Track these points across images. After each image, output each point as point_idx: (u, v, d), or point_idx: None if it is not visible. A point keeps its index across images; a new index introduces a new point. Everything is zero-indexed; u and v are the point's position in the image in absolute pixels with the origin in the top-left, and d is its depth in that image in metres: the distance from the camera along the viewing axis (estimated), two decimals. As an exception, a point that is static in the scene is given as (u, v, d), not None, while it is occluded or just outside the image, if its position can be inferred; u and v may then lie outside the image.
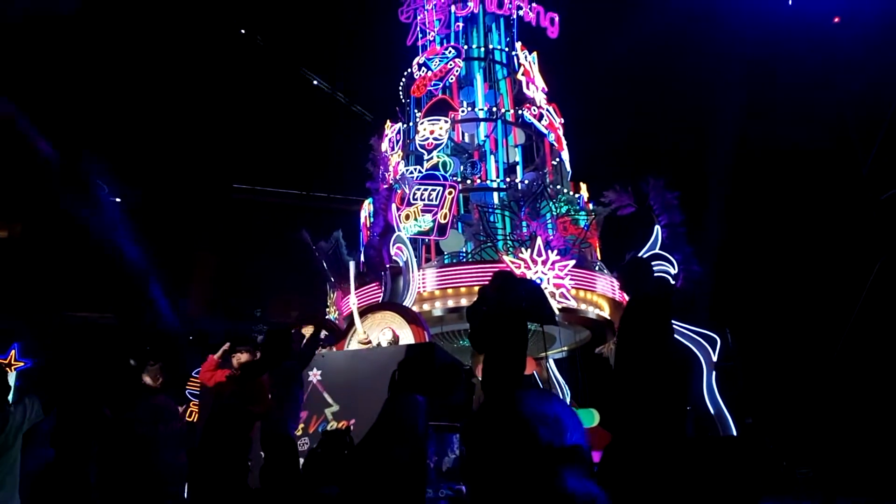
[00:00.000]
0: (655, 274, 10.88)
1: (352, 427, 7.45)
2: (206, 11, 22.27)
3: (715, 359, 10.35)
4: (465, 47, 14.03)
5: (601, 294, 11.64)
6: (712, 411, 10.12)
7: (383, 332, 9.76)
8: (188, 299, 21.67)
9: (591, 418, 11.47)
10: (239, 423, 6.24)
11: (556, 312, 9.10)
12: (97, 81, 21.63)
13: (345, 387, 7.51)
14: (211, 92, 22.75)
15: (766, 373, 13.44)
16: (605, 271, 11.94)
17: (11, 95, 19.75)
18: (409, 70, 14.01)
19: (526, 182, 12.62)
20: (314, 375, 7.61)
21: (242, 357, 6.98)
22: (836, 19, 13.27)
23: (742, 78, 15.83)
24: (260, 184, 22.73)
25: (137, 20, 21.77)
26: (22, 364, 17.35)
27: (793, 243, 15.25)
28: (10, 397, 5.09)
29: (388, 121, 13.88)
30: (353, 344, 10.09)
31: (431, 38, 14.25)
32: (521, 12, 14.22)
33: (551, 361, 13.76)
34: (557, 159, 13.31)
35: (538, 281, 10.83)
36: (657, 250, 11.13)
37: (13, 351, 16.89)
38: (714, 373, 10.28)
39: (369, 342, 9.72)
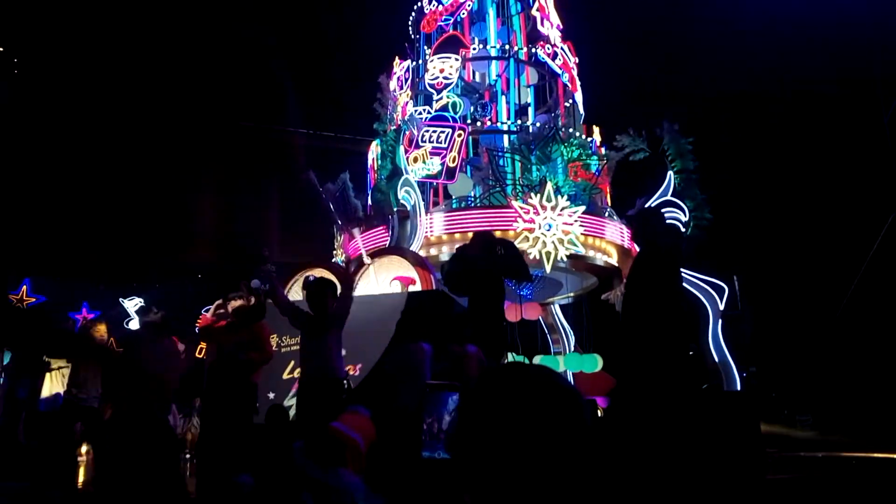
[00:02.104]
0: (667, 222, 10.81)
1: (358, 372, 7.54)
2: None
3: (722, 307, 10.34)
4: (478, -21, 13.49)
5: (609, 241, 11.54)
6: (716, 359, 10.18)
7: (392, 283, 9.75)
8: (196, 238, 21.72)
9: (594, 363, 11.58)
10: (241, 371, 6.29)
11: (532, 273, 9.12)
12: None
13: (352, 332, 7.52)
14: (218, 25, 22.18)
15: (773, 321, 13.44)
16: (615, 217, 11.80)
17: None
18: (420, 3, 13.51)
19: (538, 125, 12.33)
20: (320, 320, 7.61)
21: (236, 303, 6.94)
22: None
23: (759, 21, 15.25)
24: (266, 121, 22.39)
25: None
26: (34, 300, 17.61)
27: (805, 192, 15.00)
28: None
29: (396, 57, 13.47)
30: (359, 287, 10.09)
31: (443, -29, 13.67)
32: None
33: (557, 307, 13.81)
34: (570, 101, 12.96)
35: (549, 227, 10.73)
36: (669, 197, 10.96)
37: (24, 286, 17.11)
38: (721, 321, 10.29)
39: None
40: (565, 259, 10.86)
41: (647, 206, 9.93)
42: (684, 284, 10.33)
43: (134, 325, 18.39)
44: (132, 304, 18.59)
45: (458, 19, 12.86)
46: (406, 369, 6.01)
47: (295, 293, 9.42)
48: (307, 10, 22.32)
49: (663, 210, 10.75)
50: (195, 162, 22.11)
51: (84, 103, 21.58)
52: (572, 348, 13.30)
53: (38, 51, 21.31)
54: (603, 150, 12.39)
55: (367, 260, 10.02)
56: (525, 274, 6.83)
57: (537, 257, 10.55)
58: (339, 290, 6.45)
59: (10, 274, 17.33)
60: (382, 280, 9.89)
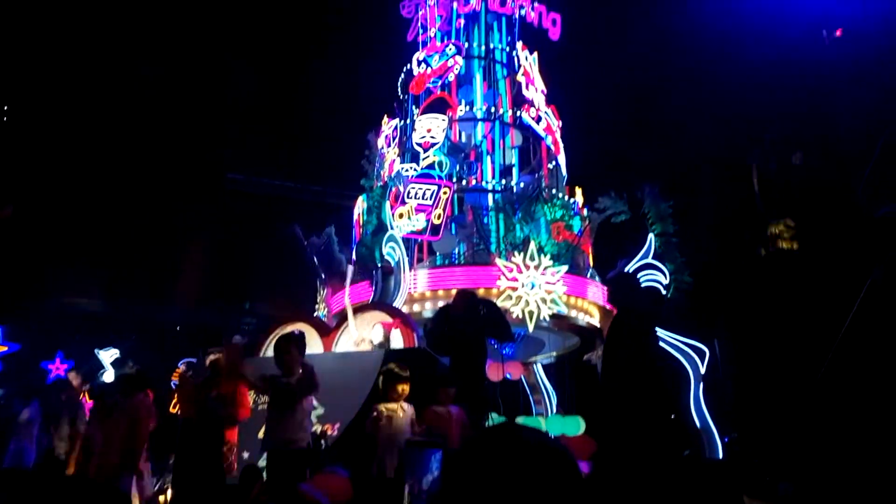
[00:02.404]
0: (645, 284, 10.91)
1: (336, 431, 7.39)
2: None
3: (703, 371, 10.34)
4: (466, 45, 13.89)
5: (592, 301, 11.61)
6: (698, 424, 10.11)
7: (374, 327, 9.68)
8: (178, 290, 21.51)
9: (577, 426, 11.44)
10: (217, 428, 6.16)
11: (515, 333, 9.17)
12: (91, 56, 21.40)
13: (331, 389, 7.41)
14: (206, 79, 22.56)
15: (755, 385, 13.45)
16: (597, 278, 11.90)
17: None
18: (409, 66, 13.88)
19: (521, 185, 12.55)
20: (300, 377, 7.50)
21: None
22: (838, 32, 13.25)
23: (740, 88, 15.82)
24: (252, 174, 22.56)
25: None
26: (6, 348, 17.16)
27: (784, 256, 15.26)
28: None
29: (385, 116, 13.75)
30: (342, 342, 9.99)
31: (432, 35, 14.11)
32: (523, 12, 14.09)
33: (539, 366, 13.73)
34: (554, 163, 13.23)
35: (531, 285, 10.79)
36: (649, 259, 11.10)
37: (-4, 334, 16.68)
38: (702, 385, 10.27)
39: (363, 340, 9.63)
40: (548, 318, 10.88)
41: (623, 270, 10.07)
42: (665, 347, 10.40)
43: (108, 376, 17.97)
44: (108, 355, 18.20)
45: (446, 82, 13.20)
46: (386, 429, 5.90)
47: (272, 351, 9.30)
48: (297, 67, 22.82)
49: (643, 272, 10.93)
50: (178, 212, 22.09)
51: (65, 146, 21.67)
52: (554, 410, 13.17)
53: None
54: (585, 212, 12.59)
55: (350, 314, 9.95)
56: (508, 334, 6.88)
57: (520, 316, 10.57)
58: (304, 347, 6.38)
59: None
60: (364, 332, 9.80)
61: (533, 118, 12.99)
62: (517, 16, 14.11)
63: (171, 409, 13.07)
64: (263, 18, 22.81)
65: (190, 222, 22.01)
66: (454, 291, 11.16)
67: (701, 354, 10.35)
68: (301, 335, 6.61)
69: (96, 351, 17.95)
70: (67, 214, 20.90)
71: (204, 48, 22.36)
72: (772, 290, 14.51)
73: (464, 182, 12.59)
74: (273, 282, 19.04)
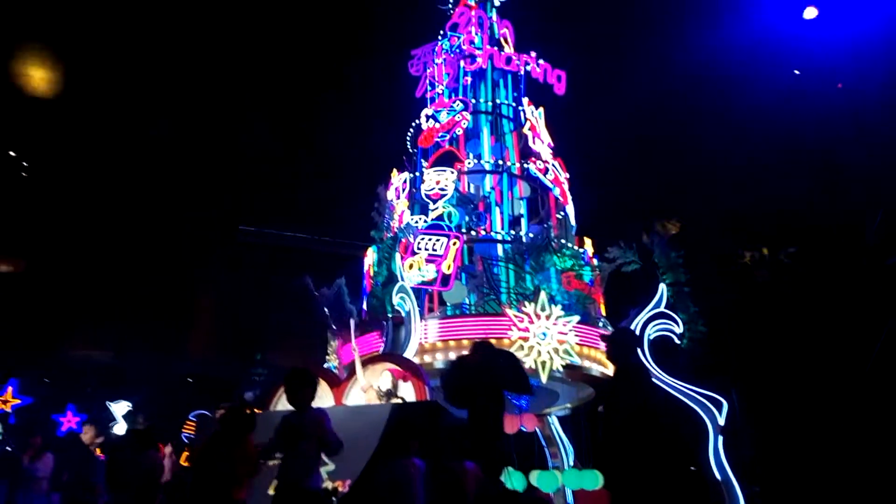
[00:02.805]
0: (659, 332, 10.86)
1: (346, 489, 7.27)
2: (219, 51, 22.69)
3: (721, 422, 10.17)
4: (473, 101, 14.24)
5: (605, 351, 11.48)
6: (719, 477, 9.89)
7: (382, 374, 9.63)
8: (190, 341, 21.56)
9: (595, 480, 11.20)
10: (226, 485, 6.08)
11: (532, 385, 9.11)
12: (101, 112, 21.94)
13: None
14: (218, 133, 23.07)
15: (776, 436, 13.18)
16: (609, 328, 11.83)
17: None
18: (417, 121, 14.19)
19: (531, 235, 12.62)
20: (310, 432, 7.43)
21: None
22: (839, 85, 13.47)
23: (743, 138, 16.00)
24: (265, 226, 22.83)
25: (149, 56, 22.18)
26: (19, 401, 17.16)
27: (800, 304, 15.13)
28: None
29: (394, 170, 13.98)
30: (352, 394, 9.93)
31: (440, 91, 14.45)
32: (528, 68, 14.45)
33: (554, 418, 13.54)
34: (562, 213, 13.34)
35: (543, 335, 10.74)
36: (662, 308, 11.06)
37: (10, 387, 16.73)
38: (721, 437, 10.09)
39: (371, 387, 9.57)
40: (561, 369, 10.79)
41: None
42: (680, 398, 10.28)
43: (120, 428, 17.88)
44: (120, 408, 18.16)
45: (454, 136, 13.47)
46: (398, 487, 5.82)
47: (283, 404, 9.25)
48: (308, 122, 23.33)
49: (656, 322, 10.89)
50: (190, 264, 22.30)
51: (79, 200, 22.04)
52: (571, 463, 12.93)
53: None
54: (595, 262, 12.61)
55: (358, 365, 9.90)
56: (526, 386, 6.78)
57: (532, 366, 10.49)
58: (316, 391, 6.32)
59: (-2, 374, 16.95)
60: (374, 380, 9.73)
61: (540, 170, 13.17)
62: (523, 72, 14.46)
63: (181, 462, 12.95)
64: (276, 76, 23.45)
65: (202, 274, 22.22)
66: (465, 342, 11.16)
67: (717, 405, 10.20)
68: (311, 373, 6.57)
69: (108, 403, 17.92)
70: (80, 268, 21.14)
71: (217, 103, 22.94)
72: (788, 338, 14.37)
73: (473, 233, 12.68)
74: (284, 333, 19.06)
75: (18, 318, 20.63)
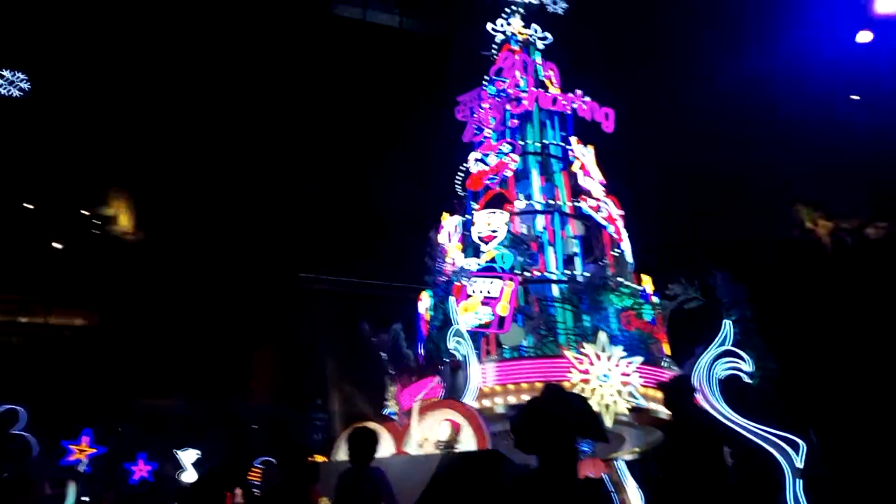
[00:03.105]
0: (728, 371, 10.42)
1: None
2: (276, 116, 23.60)
3: (800, 465, 9.61)
4: (521, 142, 14.27)
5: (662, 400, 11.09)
6: (799, 523, 9.31)
7: (441, 424, 9.53)
8: (254, 388, 21.99)
9: (665, 527, 10.71)
10: None
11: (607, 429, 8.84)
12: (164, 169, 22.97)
13: (402, 496, 7.26)
14: (276, 183, 23.84)
15: (860, 479, 12.36)
16: (674, 367, 11.44)
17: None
18: (466, 165, 14.31)
19: (586, 274, 12.42)
20: (370, 484, 7.40)
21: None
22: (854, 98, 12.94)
23: (802, 164, 15.50)
24: (322, 273, 23.30)
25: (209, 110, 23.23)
26: (94, 451, 17.73)
27: (880, 331, 14.33)
28: None
29: (445, 213, 14.07)
30: (411, 443, 9.86)
31: (487, 135, 14.55)
32: (575, 107, 14.42)
33: (622, 463, 13.09)
34: (618, 251, 13.11)
35: (605, 377, 10.48)
36: (728, 346, 10.65)
37: (85, 437, 17.32)
38: (800, 481, 9.52)
39: (426, 440, 9.49)
40: (626, 412, 10.47)
41: (681, 374, 9.71)
42: (754, 440, 9.78)
43: (188, 476, 18.25)
44: (188, 456, 18.57)
45: (504, 178, 13.48)
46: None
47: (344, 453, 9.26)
48: (361, 170, 23.88)
49: (723, 360, 10.47)
50: (252, 313, 22.87)
51: (148, 255, 22.99)
52: (642, 510, 12.44)
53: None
54: (655, 299, 12.29)
55: (414, 417, 9.82)
56: (601, 433, 6.59)
57: (596, 410, 10.18)
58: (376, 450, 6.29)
59: (72, 424, 17.61)
60: (432, 430, 9.64)
61: (592, 208, 13.04)
62: (569, 112, 14.45)
63: None
64: (331, 129, 24.21)
65: (264, 322, 22.75)
66: (525, 385, 10.99)
67: (795, 446, 9.66)
68: (373, 433, 6.57)
69: (176, 452, 18.33)
70: (149, 321, 21.96)
71: (276, 156, 23.78)
72: (869, 372, 13.59)
73: (527, 273, 12.57)
74: (344, 378, 19.22)
75: (93, 369, 21.53)
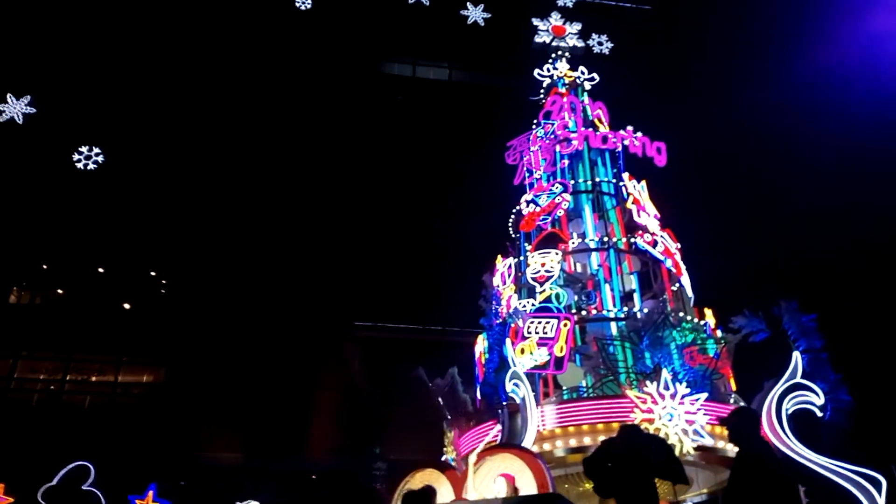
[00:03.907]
0: (798, 405, 9.92)
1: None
2: (331, 168, 24.40)
3: (882, 503, 8.96)
4: (572, 182, 14.32)
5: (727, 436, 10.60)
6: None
7: (495, 481, 9.32)
8: (312, 438, 22.05)
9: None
10: None
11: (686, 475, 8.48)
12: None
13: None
14: (328, 234, 24.44)
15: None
16: (742, 403, 10.96)
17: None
18: (518, 207, 14.39)
19: (645, 311, 12.15)
20: (432, 527, 7.29)
21: None
22: None
23: (865, 189, 14.96)
24: (377, 319, 23.51)
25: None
26: (158, 504, 17.96)
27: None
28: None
29: (499, 256, 14.10)
30: (470, 488, 9.67)
31: (538, 177, 14.68)
32: (626, 143, 14.42)
33: (690, 505, 12.50)
34: (677, 285, 12.82)
35: (669, 416, 10.12)
36: (798, 379, 10.16)
37: (150, 492, 17.64)
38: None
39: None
40: (693, 452, 10.04)
41: (740, 406, 9.28)
42: (831, 477, 9.20)
43: (249, 530, 18.24)
44: (248, 509, 18.63)
45: (556, 218, 13.51)
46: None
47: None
48: (413, 218, 24.28)
49: (793, 394, 9.99)
50: (309, 364, 23.14)
51: (207, 312, 23.69)
52: (714, 557, 11.77)
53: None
54: (719, 333, 11.90)
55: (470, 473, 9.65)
56: (681, 475, 6.37)
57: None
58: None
59: (138, 479, 17.95)
60: (487, 484, 9.43)
61: (648, 243, 12.84)
62: (620, 148, 14.45)
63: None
64: (385, 180, 24.84)
65: (320, 371, 22.97)
66: (585, 427, 10.69)
67: (875, 483, 9.03)
68: (428, 493, 6.48)
69: (237, 503, 18.41)
70: (209, 376, 22.48)
71: (329, 208, 24.45)
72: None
73: (584, 312, 12.40)
74: (402, 426, 19.11)
75: (158, 424, 22.05)
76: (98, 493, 15.97)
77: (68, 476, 16.18)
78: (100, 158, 23.54)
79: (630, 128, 14.58)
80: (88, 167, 23.57)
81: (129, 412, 23.32)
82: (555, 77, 16.21)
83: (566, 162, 14.61)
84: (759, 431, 5.84)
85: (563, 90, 15.92)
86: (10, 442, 20.01)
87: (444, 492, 9.67)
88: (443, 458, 12.26)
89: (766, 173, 17.07)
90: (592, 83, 16.21)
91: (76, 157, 23.46)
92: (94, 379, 25.21)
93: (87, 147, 23.57)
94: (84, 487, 16.09)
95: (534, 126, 15.61)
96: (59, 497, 15.80)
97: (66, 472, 16.07)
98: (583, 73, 16.22)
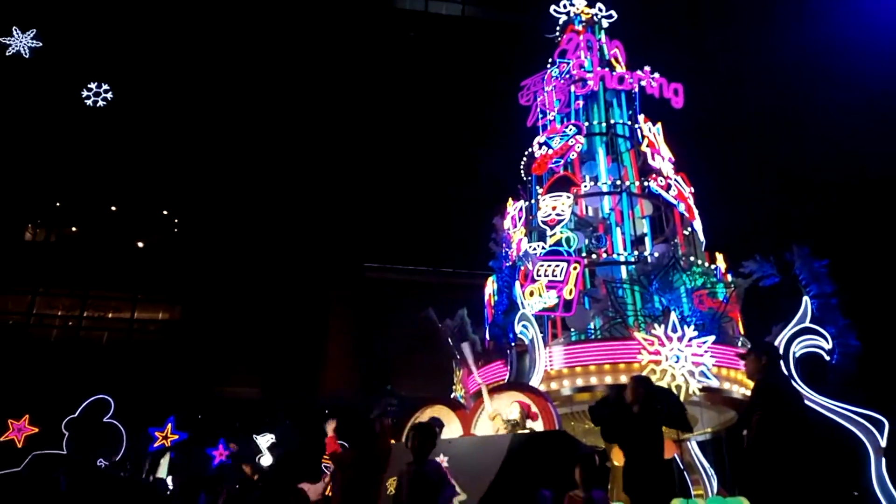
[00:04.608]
0: (806, 349, 10.01)
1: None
2: (343, 107, 24.08)
3: (884, 443, 9.15)
4: (586, 124, 14.06)
5: (745, 370, 10.73)
6: (884, 502, 8.88)
7: (511, 405, 9.56)
8: (325, 376, 22.56)
9: (741, 510, 10.42)
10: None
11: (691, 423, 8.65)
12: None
13: (472, 475, 7.36)
14: (340, 174, 24.37)
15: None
16: (750, 346, 11.05)
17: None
18: (530, 149, 14.20)
19: (656, 254, 12.15)
20: (442, 461, 7.53)
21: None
22: None
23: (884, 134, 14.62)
24: (387, 261, 23.68)
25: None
26: (177, 437, 18.65)
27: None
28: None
29: (510, 199, 14.03)
30: (480, 423, 9.94)
31: (552, 118, 14.41)
32: (642, 83, 14.08)
33: (694, 444, 12.80)
34: (689, 229, 12.76)
35: (676, 358, 10.25)
36: (807, 323, 10.22)
37: (169, 424, 18.24)
38: (883, 459, 9.08)
39: (498, 414, 9.54)
40: (698, 392, 10.22)
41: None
42: (835, 418, 9.37)
43: (266, 460, 18.93)
44: (264, 441, 19.28)
45: (569, 160, 13.33)
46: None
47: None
48: (424, 159, 24.09)
49: (802, 338, 10.07)
50: (321, 303, 23.47)
51: (222, 250, 23.92)
52: (715, 491, 12.12)
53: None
54: (729, 277, 11.90)
55: (484, 392, 9.89)
56: (686, 424, 6.51)
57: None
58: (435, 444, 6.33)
59: (159, 412, 18.51)
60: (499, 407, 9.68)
61: (662, 186, 12.71)
62: (637, 90, 14.12)
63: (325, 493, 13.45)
64: (397, 119, 24.54)
65: (334, 311, 23.33)
66: (592, 367, 10.87)
67: (878, 425, 9.20)
68: (434, 424, 6.67)
69: (255, 437, 19.03)
70: (227, 315, 22.87)
71: (341, 149, 24.28)
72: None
73: (594, 256, 12.41)
74: (411, 364, 19.48)
75: (175, 360, 22.61)
76: (118, 424, 16.53)
77: (90, 408, 16.73)
78: (109, 95, 23.33)
79: (647, 68, 14.20)
80: (98, 104, 23.38)
81: (146, 348, 23.90)
82: (571, 14, 15.71)
83: (581, 103, 14.32)
84: (780, 365, 5.88)
85: (580, 28, 15.44)
86: (32, 376, 20.64)
87: (454, 428, 9.95)
88: (452, 396, 12.54)
89: (783, 118, 16.67)
90: (610, 21, 15.71)
91: (85, 93, 23.25)
92: (110, 316, 25.74)
93: (96, 83, 23.32)
94: (105, 420, 16.65)
95: (548, 65, 15.23)
96: (82, 428, 16.38)
97: (87, 404, 16.62)
98: (600, 10, 15.70)
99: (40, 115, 24.15)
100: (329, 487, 12.58)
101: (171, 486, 14.61)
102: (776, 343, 10.14)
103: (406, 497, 5.75)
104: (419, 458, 5.90)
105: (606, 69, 14.51)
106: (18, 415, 16.63)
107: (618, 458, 10.03)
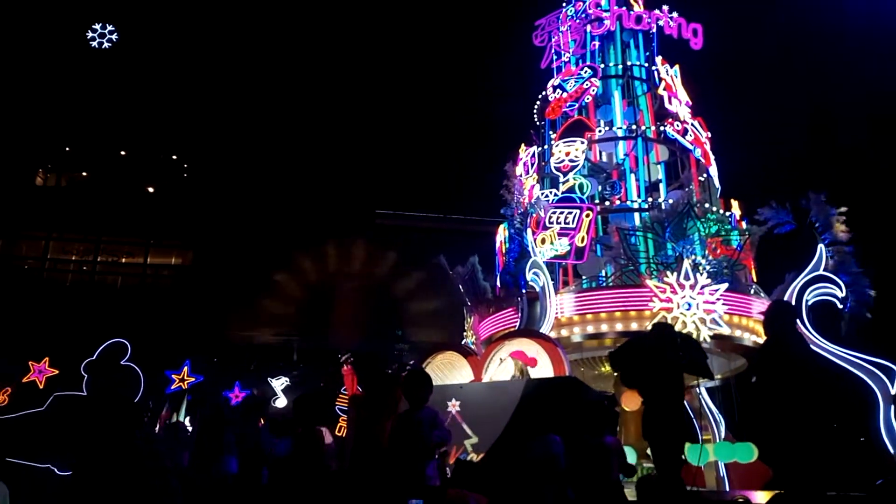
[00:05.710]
0: (819, 297, 9.97)
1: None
2: (353, 54, 23.55)
3: (894, 391, 9.21)
4: (602, 66, 13.68)
5: (757, 319, 10.73)
6: (891, 449, 9.00)
7: (504, 361, 9.64)
8: (338, 321, 22.79)
9: (749, 452, 10.59)
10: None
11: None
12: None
13: (484, 419, 7.46)
14: (352, 120, 24.06)
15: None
16: (762, 294, 11.02)
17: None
18: (544, 93, 13.87)
19: (670, 201, 11.99)
20: (453, 406, 7.64)
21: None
22: None
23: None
24: (399, 208, 23.60)
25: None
26: (193, 379, 19.06)
27: None
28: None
29: (522, 144, 13.81)
30: (490, 370, 10.04)
31: (566, 60, 14.02)
32: (661, 23, 13.61)
33: (703, 390, 12.92)
34: (705, 175, 12.55)
35: (688, 306, 10.24)
36: (821, 271, 10.15)
37: (185, 367, 18.63)
38: (893, 406, 9.14)
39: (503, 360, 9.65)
40: (709, 339, 10.25)
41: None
42: (845, 366, 9.40)
43: (280, 402, 19.38)
44: (279, 384, 19.70)
45: (583, 104, 13.02)
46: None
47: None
48: (435, 102, 23.67)
49: (815, 286, 10.01)
50: (332, 250, 23.52)
51: (234, 196, 23.86)
52: (723, 436, 12.31)
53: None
54: (744, 225, 11.77)
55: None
56: (707, 370, 6.53)
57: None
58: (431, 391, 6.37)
59: (174, 355, 18.85)
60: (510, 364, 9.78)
61: (678, 131, 12.43)
62: (655, 30, 13.65)
63: (336, 433, 13.78)
64: (408, 64, 24.00)
65: (344, 259, 23.37)
66: (603, 315, 10.90)
67: (888, 372, 9.23)
68: (425, 372, 6.70)
69: (269, 379, 19.44)
70: (242, 258, 23.00)
71: (352, 94, 23.88)
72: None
73: (607, 203, 12.27)
74: (423, 311, 19.63)
75: (189, 305, 22.90)
76: (136, 367, 16.88)
77: (107, 351, 17.06)
78: (114, 37, 22.92)
79: (665, 7, 13.70)
80: (103, 46, 23.00)
81: (160, 293, 24.21)
82: (588, -52, 15.08)
83: (596, 44, 13.91)
84: (795, 321, 5.86)
85: (598, -37, 14.86)
86: (50, 320, 21.00)
87: (465, 374, 10.07)
88: (463, 342, 12.66)
89: (805, 58, 16.13)
90: (628, -45, 15.08)
91: (89, 34, 22.85)
92: (123, 261, 26.00)
93: (101, 24, 22.89)
94: (123, 362, 17.01)
95: (564, 4, 14.74)
96: (100, 370, 16.74)
97: (104, 347, 16.95)
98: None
99: (47, 59, 23.82)
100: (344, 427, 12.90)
101: (189, 428, 15.00)
102: (790, 290, 10.10)
103: (391, 438, 5.84)
104: (414, 404, 5.96)
105: (623, 8, 13.98)
106: (38, 357, 16.99)
107: (629, 404, 10.18)
